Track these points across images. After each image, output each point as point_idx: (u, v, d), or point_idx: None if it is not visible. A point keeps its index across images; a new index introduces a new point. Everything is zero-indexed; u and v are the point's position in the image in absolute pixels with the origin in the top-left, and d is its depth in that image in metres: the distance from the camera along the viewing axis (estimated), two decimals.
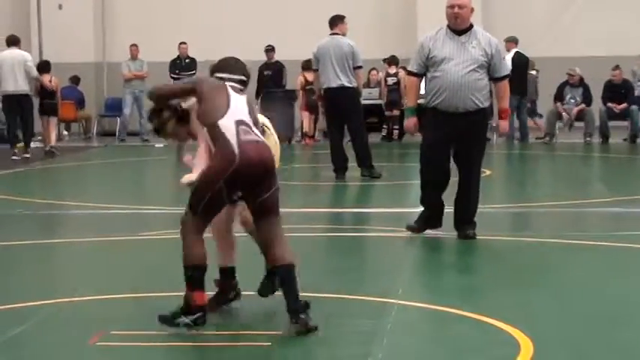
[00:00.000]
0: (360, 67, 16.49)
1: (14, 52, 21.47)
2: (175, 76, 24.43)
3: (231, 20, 26.19)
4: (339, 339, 7.20)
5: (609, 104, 23.05)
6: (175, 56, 25.04)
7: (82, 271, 9.92)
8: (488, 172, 17.89)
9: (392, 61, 24.59)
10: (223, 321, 7.54)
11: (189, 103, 7.48)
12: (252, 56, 24.39)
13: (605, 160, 21.26)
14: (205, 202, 7.16)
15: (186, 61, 25.02)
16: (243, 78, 7.57)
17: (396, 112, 23.90)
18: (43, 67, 22.50)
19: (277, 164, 7.54)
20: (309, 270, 9.53)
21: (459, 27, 10.54)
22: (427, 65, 10.60)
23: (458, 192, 10.82)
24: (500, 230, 11.73)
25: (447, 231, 10.94)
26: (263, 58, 24.59)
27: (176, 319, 7.14)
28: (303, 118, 24.15)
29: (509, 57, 22.92)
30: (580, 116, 23.20)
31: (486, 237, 11.03)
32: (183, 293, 7.22)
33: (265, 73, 24.37)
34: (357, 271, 9.83)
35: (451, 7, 10.53)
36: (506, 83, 10.78)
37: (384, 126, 24.44)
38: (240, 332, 7.27)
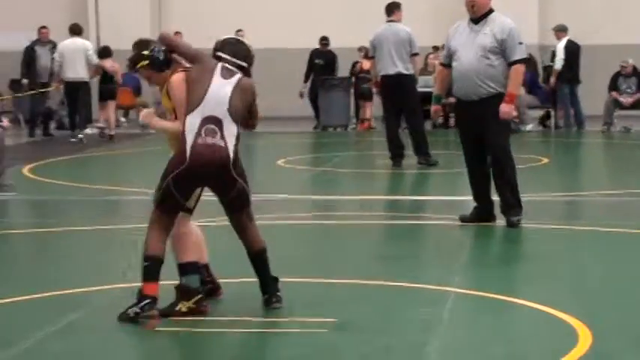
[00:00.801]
0: (416, 54, 16.47)
1: (77, 42, 22.07)
2: None
3: (285, 8, 26.20)
4: (396, 327, 7.17)
5: None
6: None
7: (138, 257, 9.94)
8: (545, 161, 17.82)
9: None
10: (275, 309, 7.53)
11: None
12: (305, 44, 24.49)
13: None
14: (161, 197, 7.29)
15: None
16: (242, 64, 7.70)
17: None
18: (104, 52, 23.00)
19: None
20: (364, 257, 9.54)
21: (476, 15, 10.58)
22: (451, 55, 10.78)
23: (493, 180, 10.82)
24: (556, 219, 11.66)
25: (502, 219, 10.89)
26: (315, 45, 24.54)
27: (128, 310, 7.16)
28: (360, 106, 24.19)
29: (560, 46, 22.89)
30: (636, 105, 23.05)
31: (542, 225, 10.97)
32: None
33: (317, 61, 24.30)
34: (413, 259, 9.80)
35: None
36: (517, 68, 10.58)
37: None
38: (296, 319, 7.25)
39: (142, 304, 7.12)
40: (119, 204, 13.52)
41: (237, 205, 7.40)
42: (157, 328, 7.04)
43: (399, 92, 16.15)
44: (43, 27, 23.11)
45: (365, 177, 16.61)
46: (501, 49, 10.44)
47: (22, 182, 15.33)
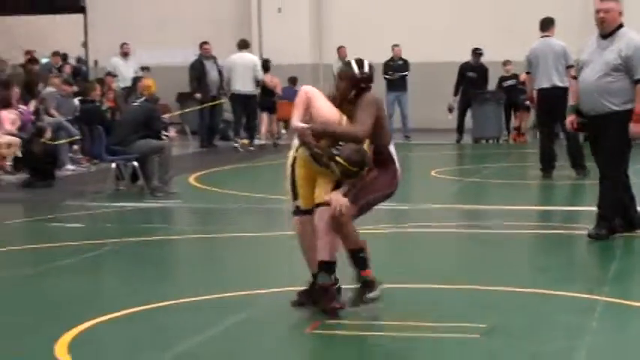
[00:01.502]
0: (571, 66, 16.31)
1: (245, 57, 22.66)
2: (388, 77, 24.57)
3: (439, 22, 26.14)
4: (544, 334, 7.13)
5: None
6: (389, 57, 25.06)
7: (297, 262, 10.04)
8: None
9: None
10: (425, 312, 7.56)
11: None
12: (457, 57, 24.38)
13: None
14: (364, 206, 7.42)
15: (399, 62, 25.02)
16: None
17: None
18: (264, 66, 23.36)
19: None
20: (514, 266, 9.49)
21: (606, 31, 10.33)
22: (580, 69, 10.64)
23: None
24: None
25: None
26: (466, 58, 24.43)
27: (365, 296, 7.25)
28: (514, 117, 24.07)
29: None
30: None
31: None
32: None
33: (469, 74, 24.19)
34: (564, 267, 9.72)
35: (597, 12, 10.36)
36: None
37: None
38: (447, 324, 7.25)
39: (379, 291, 7.34)
40: (279, 212, 13.66)
41: None
42: (314, 331, 7.13)
43: (554, 104, 16.00)
44: (205, 43, 23.45)
45: (515, 188, 16.49)
46: (626, 66, 10.17)
47: (187, 190, 15.62)
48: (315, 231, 7.47)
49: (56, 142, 17.44)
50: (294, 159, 7.57)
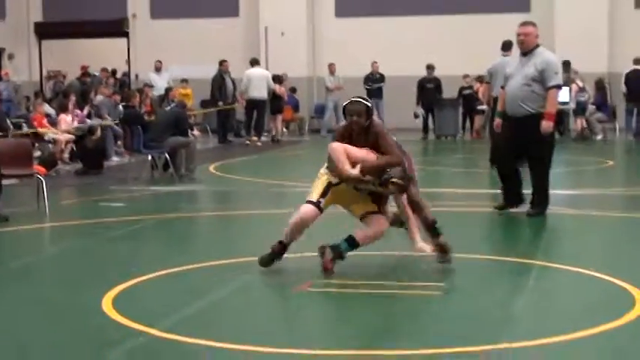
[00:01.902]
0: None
1: (259, 71, 23.16)
2: (368, 87, 24.61)
3: (408, 43, 26.11)
4: (492, 291, 7.15)
5: None
6: (369, 72, 25.07)
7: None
8: (610, 163, 17.46)
9: None
10: (399, 274, 7.56)
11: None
12: (424, 72, 24.35)
13: None
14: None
15: (377, 75, 25.04)
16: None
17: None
18: (276, 79, 23.81)
19: None
20: (468, 238, 9.44)
21: (525, 50, 10.44)
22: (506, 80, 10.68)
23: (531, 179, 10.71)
24: (619, 210, 11.45)
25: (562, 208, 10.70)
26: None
27: (446, 257, 7.66)
28: None
29: (625, 72, 22.68)
30: None
31: (610, 214, 10.80)
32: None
33: (427, 85, 24.09)
34: (508, 239, 9.74)
35: (518, 35, 10.48)
36: (552, 92, 10.27)
37: None
38: (416, 283, 7.26)
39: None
40: (281, 194, 13.68)
41: None
42: (306, 289, 7.13)
43: None
44: (225, 61, 23.53)
45: (469, 175, 16.50)
46: (541, 77, 10.26)
47: (208, 177, 15.61)
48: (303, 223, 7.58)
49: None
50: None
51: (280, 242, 7.65)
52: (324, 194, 7.58)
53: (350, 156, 7.47)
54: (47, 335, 6.00)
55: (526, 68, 10.35)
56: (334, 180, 7.60)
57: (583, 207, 11.37)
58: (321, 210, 7.56)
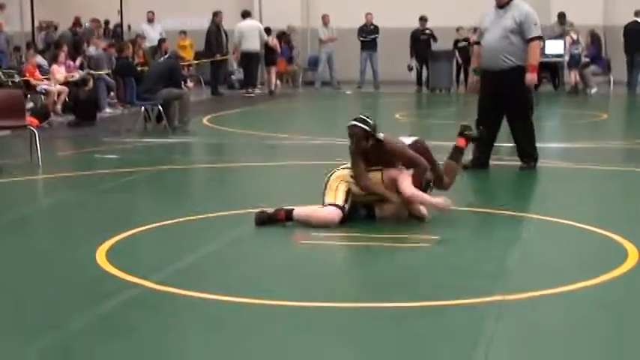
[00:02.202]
0: None
1: (252, 22, 23.14)
2: (362, 39, 24.51)
3: None
4: (484, 244, 7.17)
5: None
6: (362, 23, 24.90)
7: (290, 187, 10.07)
8: (604, 116, 17.46)
9: None
10: (392, 227, 7.58)
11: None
12: (417, 23, 24.22)
13: None
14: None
15: (371, 27, 24.87)
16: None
17: None
18: (266, 31, 23.62)
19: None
20: (462, 192, 9.45)
21: (501, 3, 10.27)
22: (481, 34, 10.55)
23: (512, 132, 10.69)
24: (612, 163, 11.45)
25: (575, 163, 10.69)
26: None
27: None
28: None
29: (624, 25, 22.69)
30: None
31: (603, 167, 10.81)
32: None
33: (421, 37, 24.02)
34: (502, 192, 9.76)
35: None
36: (533, 44, 10.17)
37: None
38: (407, 235, 7.29)
39: None
40: (276, 146, 13.66)
41: None
42: (301, 241, 7.14)
43: None
44: (219, 12, 23.52)
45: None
46: (520, 29, 10.15)
47: (202, 129, 15.59)
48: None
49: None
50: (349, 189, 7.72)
51: (288, 217, 7.59)
52: (346, 200, 7.68)
53: (389, 176, 7.73)
54: (41, 287, 6.01)
55: (504, 21, 10.20)
56: (355, 190, 7.68)
57: (576, 160, 11.37)
58: (344, 214, 7.61)
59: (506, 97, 10.30)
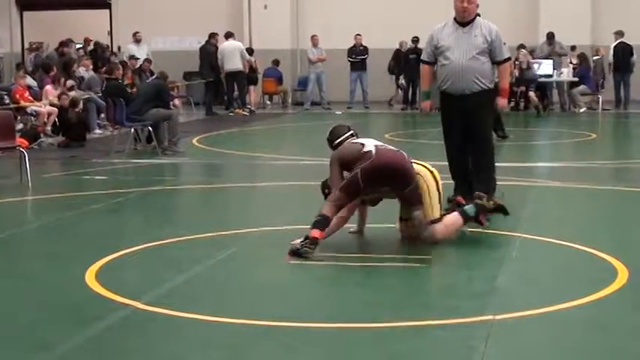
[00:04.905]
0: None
1: (233, 43, 23.44)
2: (352, 60, 24.60)
3: (391, 17, 26.02)
4: (477, 263, 7.16)
5: None
6: (352, 44, 24.97)
7: (280, 207, 10.06)
8: (593, 136, 17.51)
9: None
10: (382, 247, 7.56)
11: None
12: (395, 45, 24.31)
13: None
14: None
15: (360, 48, 24.95)
16: (352, 132, 7.91)
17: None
18: (248, 51, 24.11)
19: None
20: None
21: (467, 19, 9.13)
22: (436, 54, 9.27)
23: (473, 165, 9.38)
24: (600, 182, 11.47)
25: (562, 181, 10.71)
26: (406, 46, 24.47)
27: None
28: None
29: (612, 45, 22.88)
30: None
31: (590, 186, 10.83)
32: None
33: (411, 56, 23.98)
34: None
35: (461, 1, 9.08)
36: (506, 65, 9.29)
37: None
38: (402, 255, 7.30)
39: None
40: (264, 167, 13.66)
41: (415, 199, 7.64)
42: (290, 262, 7.12)
43: None
44: (216, 33, 23.96)
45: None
46: (490, 49, 9.13)
47: (191, 149, 15.57)
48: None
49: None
50: None
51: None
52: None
53: None
54: (30, 309, 5.97)
55: (472, 39, 9.12)
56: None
57: (565, 179, 11.39)
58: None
59: (472, 124, 9.22)
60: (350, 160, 7.54)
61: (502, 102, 9.54)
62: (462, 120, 9.20)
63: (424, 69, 9.49)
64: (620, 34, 23.30)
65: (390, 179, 7.46)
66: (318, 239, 7.16)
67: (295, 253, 7.12)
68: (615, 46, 23.17)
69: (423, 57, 9.46)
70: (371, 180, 7.38)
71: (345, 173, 7.54)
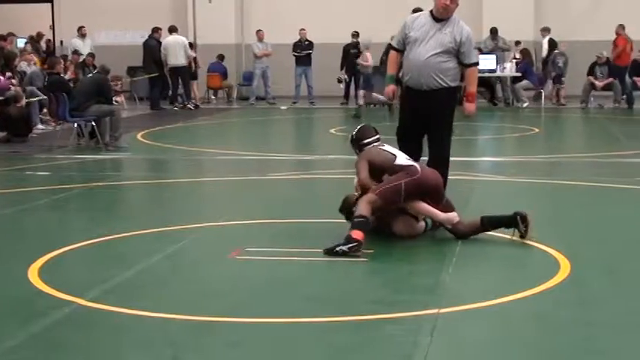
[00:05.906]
0: None
1: (177, 38, 23.46)
2: (297, 54, 24.58)
3: (334, 10, 26.08)
4: (420, 257, 7.20)
5: (635, 78, 22.73)
6: (297, 39, 24.96)
7: (225, 203, 10.04)
8: (536, 130, 17.70)
9: None
10: (325, 242, 7.58)
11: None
12: (347, 39, 24.32)
13: (630, 121, 20.70)
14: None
15: (305, 42, 24.95)
16: (379, 137, 8.12)
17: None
18: (190, 46, 24.11)
19: None
20: None
21: (443, 17, 8.76)
22: (405, 43, 8.89)
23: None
24: (543, 176, 11.60)
25: (502, 176, 10.79)
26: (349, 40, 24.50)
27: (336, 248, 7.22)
28: None
29: (545, 41, 24.31)
30: (608, 87, 22.96)
31: (533, 180, 10.94)
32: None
33: (352, 51, 23.90)
34: None
35: None
36: (473, 70, 8.89)
37: None
38: None
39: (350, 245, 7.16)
40: (209, 162, 13.61)
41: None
42: (236, 257, 7.11)
43: None
44: (159, 28, 23.86)
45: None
46: (458, 50, 8.78)
47: (135, 144, 15.47)
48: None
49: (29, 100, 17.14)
50: None
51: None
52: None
53: None
54: None
55: (441, 36, 8.79)
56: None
57: (508, 173, 11.49)
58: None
59: (428, 118, 8.86)
60: (377, 167, 7.74)
61: (469, 107, 9.15)
62: (420, 115, 8.87)
63: (391, 55, 9.18)
64: (547, 30, 24.24)
65: (428, 195, 7.72)
66: (362, 241, 7.19)
67: (338, 254, 7.12)
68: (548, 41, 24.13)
69: (393, 43, 9.17)
70: (412, 194, 7.61)
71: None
